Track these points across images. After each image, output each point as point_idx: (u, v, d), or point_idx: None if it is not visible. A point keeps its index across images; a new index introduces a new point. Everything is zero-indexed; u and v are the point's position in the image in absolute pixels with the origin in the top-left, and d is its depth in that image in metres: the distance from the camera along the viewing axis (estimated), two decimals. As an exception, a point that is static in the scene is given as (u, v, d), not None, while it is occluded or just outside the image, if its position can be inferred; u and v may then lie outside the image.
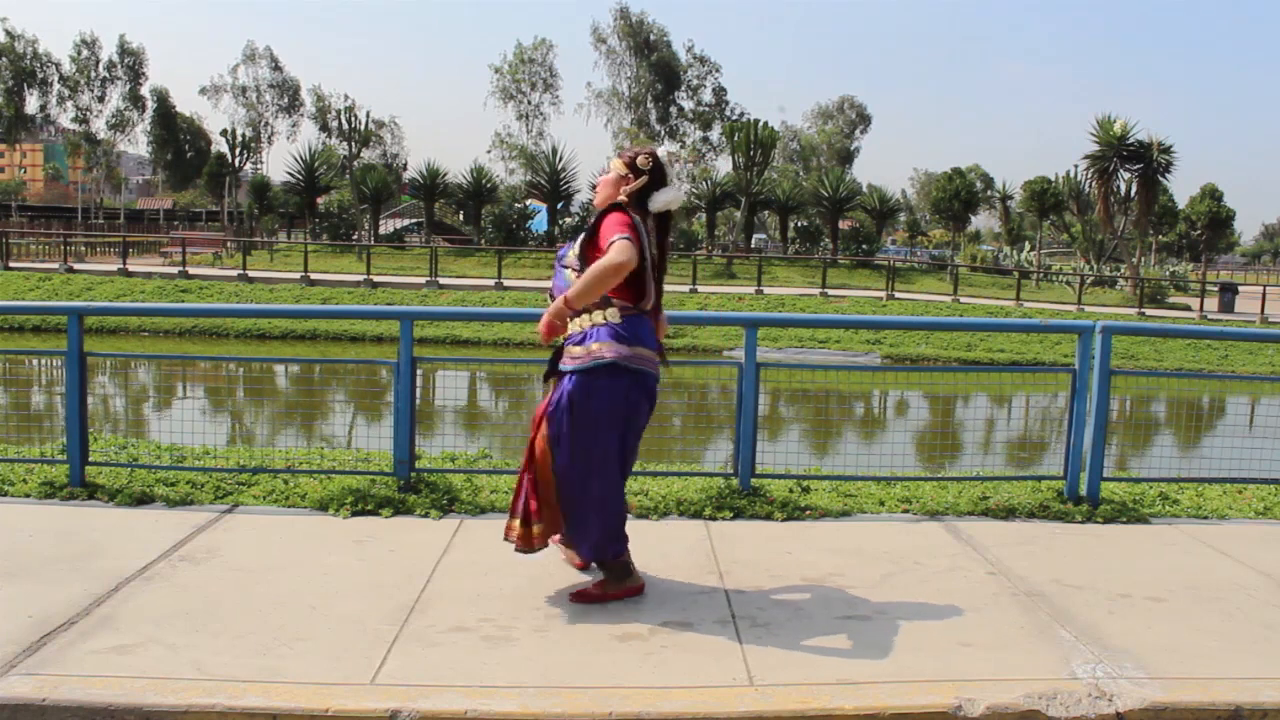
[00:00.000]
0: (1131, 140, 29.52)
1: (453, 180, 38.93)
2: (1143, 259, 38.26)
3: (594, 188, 3.66)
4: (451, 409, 9.36)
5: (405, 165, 66.25)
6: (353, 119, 39.21)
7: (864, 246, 38.30)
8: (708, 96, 67.96)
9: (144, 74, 63.10)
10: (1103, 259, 38.37)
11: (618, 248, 3.29)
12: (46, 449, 5.58)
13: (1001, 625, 3.50)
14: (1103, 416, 5.04)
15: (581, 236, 3.51)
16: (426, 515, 4.66)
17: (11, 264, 29.34)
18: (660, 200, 3.55)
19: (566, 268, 3.53)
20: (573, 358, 3.48)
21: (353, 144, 39.65)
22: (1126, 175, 30.68)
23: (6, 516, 4.49)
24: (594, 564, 3.76)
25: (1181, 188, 73.05)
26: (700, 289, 28.51)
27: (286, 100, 69.43)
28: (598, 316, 3.47)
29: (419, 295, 27.12)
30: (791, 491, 5.08)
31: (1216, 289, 32.40)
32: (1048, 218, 42.63)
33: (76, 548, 4.04)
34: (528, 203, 41.98)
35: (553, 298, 3.53)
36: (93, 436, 5.42)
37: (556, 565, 3.96)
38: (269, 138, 68.73)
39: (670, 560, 4.03)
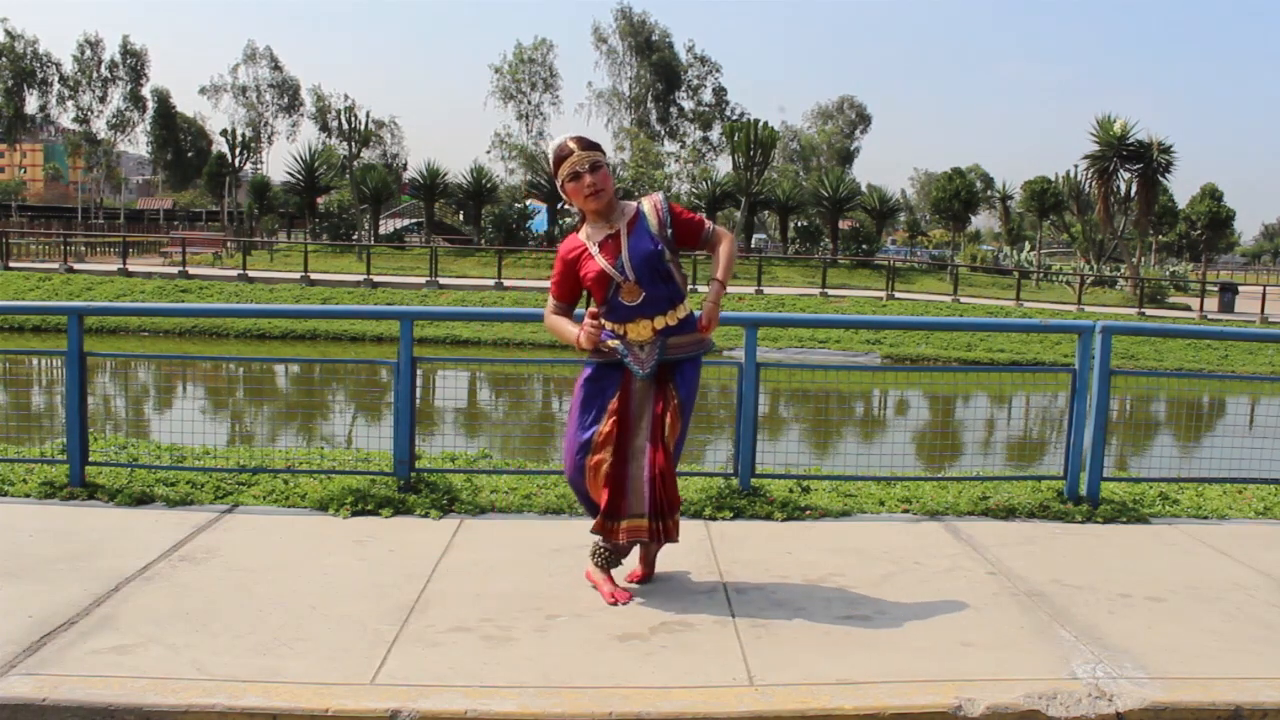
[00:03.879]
0: (1131, 140, 29.53)
1: (453, 180, 38.99)
2: (1143, 259, 38.26)
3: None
4: (451, 409, 9.36)
5: (405, 165, 66.42)
6: (353, 119, 39.19)
7: (864, 246, 38.32)
8: (708, 96, 68.18)
9: (145, 74, 63.28)
10: (1103, 259, 38.38)
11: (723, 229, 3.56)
12: (46, 449, 5.58)
13: (1002, 625, 3.50)
14: (1103, 416, 5.04)
15: (668, 232, 3.49)
16: (426, 515, 4.66)
17: (11, 264, 29.32)
18: None
19: (667, 263, 3.48)
20: (693, 343, 3.56)
21: (353, 144, 39.62)
22: (1126, 175, 30.70)
23: (6, 516, 4.49)
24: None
25: (1181, 188, 73.26)
26: (700, 289, 28.49)
27: (286, 100, 69.59)
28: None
29: (419, 295, 27.12)
30: (791, 491, 5.08)
31: (1216, 289, 32.41)
32: (1048, 218, 42.66)
33: (76, 548, 4.04)
34: (528, 203, 42.03)
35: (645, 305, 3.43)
36: (93, 436, 5.42)
37: (556, 564, 3.96)
38: (269, 138, 68.91)
39: (670, 560, 4.02)
